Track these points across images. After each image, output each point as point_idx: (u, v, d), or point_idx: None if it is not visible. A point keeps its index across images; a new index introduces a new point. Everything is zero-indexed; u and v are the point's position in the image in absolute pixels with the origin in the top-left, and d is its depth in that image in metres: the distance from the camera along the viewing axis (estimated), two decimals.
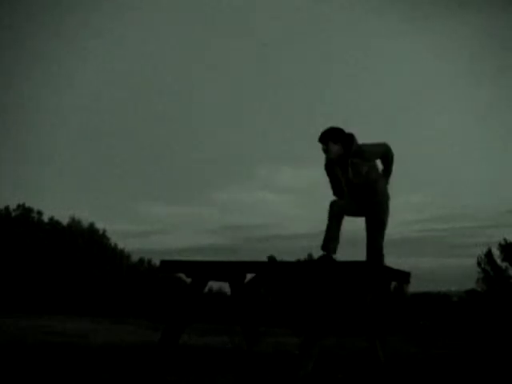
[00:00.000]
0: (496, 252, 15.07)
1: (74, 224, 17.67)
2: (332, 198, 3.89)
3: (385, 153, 3.83)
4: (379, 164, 3.88)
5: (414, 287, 13.33)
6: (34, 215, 17.09)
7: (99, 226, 18.36)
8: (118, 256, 17.82)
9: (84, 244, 16.77)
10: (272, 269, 3.54)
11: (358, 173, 3.72)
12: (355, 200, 3.82)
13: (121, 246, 18.52)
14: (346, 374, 3.38)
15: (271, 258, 3.66)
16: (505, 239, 15.02)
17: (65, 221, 17.64)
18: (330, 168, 3.89)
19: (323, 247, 3.60)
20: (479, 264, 15.10)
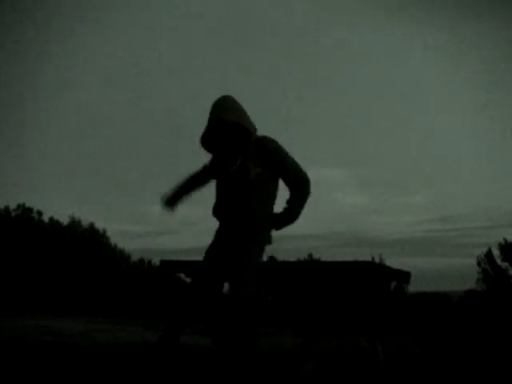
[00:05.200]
0: (496, 252, 15.07)
1: (74, 224, 17.67)
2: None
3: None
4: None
5: (414, 287, 13.34)
6: (34, 215, 17.10)
7: (99, 225, 18.38)
8: (117, 256, 17.82)
9: (84, 244, 16.76)
10: (272, 269, 3.54)
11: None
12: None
13: (121, 246, 18.54)
14: (347, 374, 3.38)
15: (271, 258, 3.65)
16: (505, 239, 15.02)
17: (65, 221, 17.66)
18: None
19: None
20: (479, 264, 15.10)
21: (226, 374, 2.44)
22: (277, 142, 2.64)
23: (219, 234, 2.69)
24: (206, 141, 2.69)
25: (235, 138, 2.60)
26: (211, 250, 2.70)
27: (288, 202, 2.66)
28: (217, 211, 2.70)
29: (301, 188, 2.65)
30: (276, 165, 2.59)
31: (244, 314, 2.44)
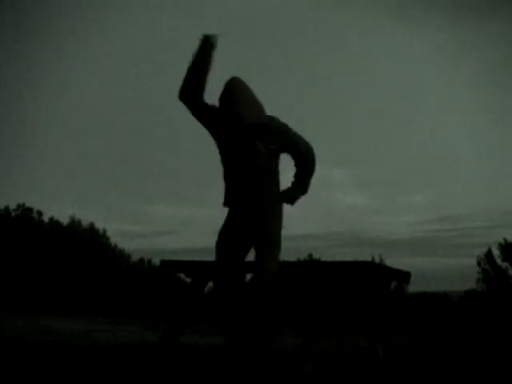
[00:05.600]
0: (496, 252, 15.06)
1: (74, 224, 17.65)
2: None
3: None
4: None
5: (414, 287, 13.33)
6: (34, 215, 17.08)
7: (99, 225, 18.35)
8: (117, 256, 17.81)
9: (84, 244, 16.75)
10: None
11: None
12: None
13: (121, 246, 18.52)
14: (347, 374, 3.38)
15: None
16: (505, 239, 15.01)
17: (65, 221, 17.64)
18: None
19: None
20: (479, 264, 15.10)
21: (231, 370, 2.43)
22: (279, 120, 2.65)
23: (233, 217, 2.65)
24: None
25: (254, 132, 2.57)
26: (227, 234, 2.65)
27: (298, 174, 2.69)
28: (230, 199, 2.66)
29: (309, 159, 2.69)
30: (285, 143, 2.62)
31: (268, 293, 2.47)
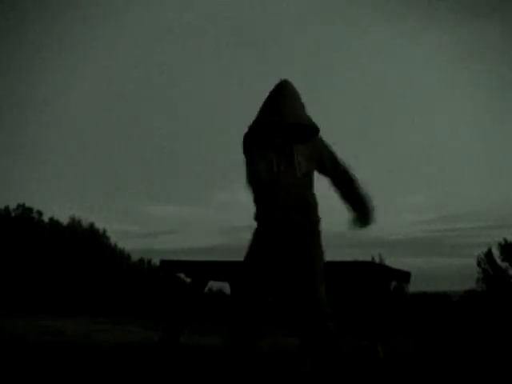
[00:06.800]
0: (496, 252, 15.05)
1: (74, 224, 17.65)
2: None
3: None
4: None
5: (414, 287, 13.32)
6: (34, 215, 17.09)
7: (99, 226, 18.36)
8: (117, 256, 17.81)
9: (84, 244, 16.75)
10: None
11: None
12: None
13: (121, 246, 18.53)
14: (347, 374, 3.37)
15: None
16: (505, 239, 15.00)
17: (65, 221, 17.65)
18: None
19: None
20: (479, 264, 15.09)
21: (230, 374, 2.42)
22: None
23: (265, 238, 2.28)
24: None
25: (296, 134, 2.34)
26: (258, 259, 2.27)
27: (356, 196, 2.46)
28: (265, 215, 2.29)
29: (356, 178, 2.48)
30: (324, 158, 2.41)
31: (327, 316, 2.22)
